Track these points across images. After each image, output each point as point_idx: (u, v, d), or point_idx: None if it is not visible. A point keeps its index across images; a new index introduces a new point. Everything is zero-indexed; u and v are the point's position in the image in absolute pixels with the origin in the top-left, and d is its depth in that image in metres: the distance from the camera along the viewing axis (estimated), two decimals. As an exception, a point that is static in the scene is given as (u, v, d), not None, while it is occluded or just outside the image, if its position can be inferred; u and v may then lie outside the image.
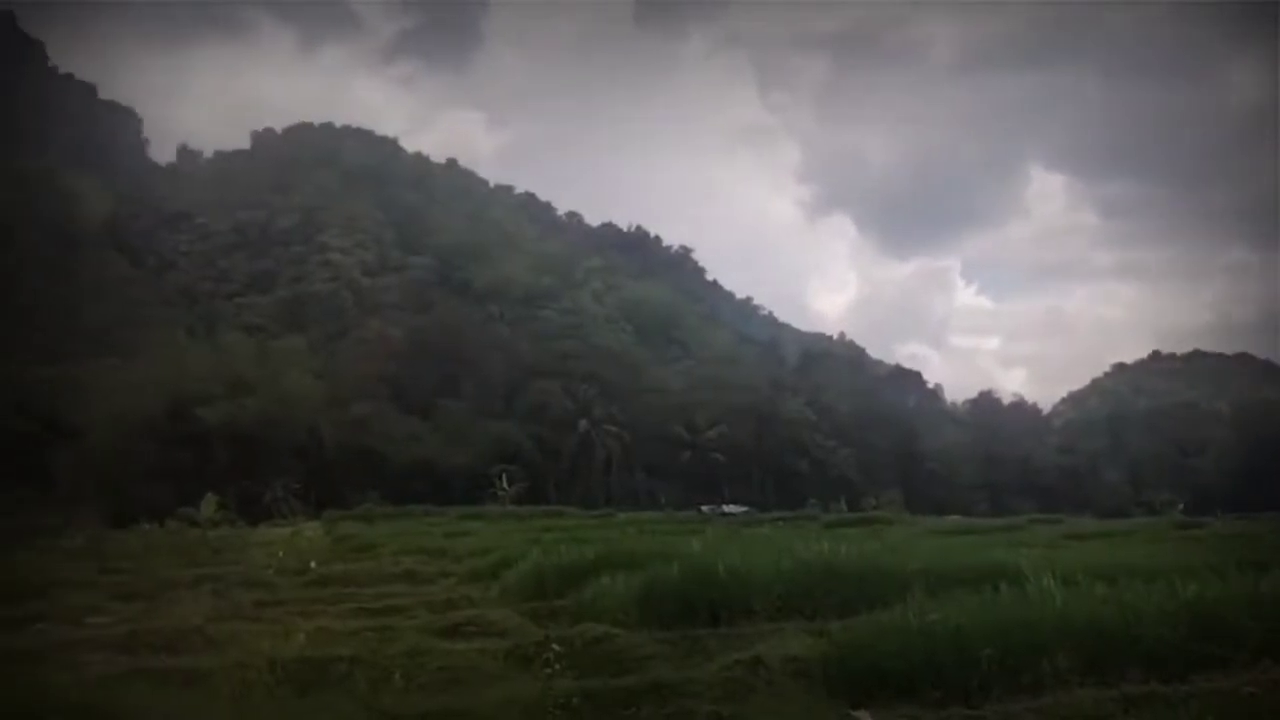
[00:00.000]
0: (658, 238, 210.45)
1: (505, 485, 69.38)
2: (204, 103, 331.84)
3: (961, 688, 8.85)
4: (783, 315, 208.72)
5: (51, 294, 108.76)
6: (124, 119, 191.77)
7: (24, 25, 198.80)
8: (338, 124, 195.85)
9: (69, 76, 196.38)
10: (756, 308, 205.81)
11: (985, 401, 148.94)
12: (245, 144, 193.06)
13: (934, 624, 9.57)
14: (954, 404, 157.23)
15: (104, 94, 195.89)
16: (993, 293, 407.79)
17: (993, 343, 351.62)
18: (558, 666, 9.45)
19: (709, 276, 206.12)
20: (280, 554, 33.15)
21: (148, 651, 13.38)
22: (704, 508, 70.37)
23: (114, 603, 21.01)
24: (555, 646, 9.98)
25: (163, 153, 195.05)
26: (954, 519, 54.20)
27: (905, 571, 13.80)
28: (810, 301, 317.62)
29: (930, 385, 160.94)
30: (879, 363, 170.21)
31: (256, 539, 42.77)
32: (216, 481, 59.17)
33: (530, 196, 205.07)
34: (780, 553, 15.79)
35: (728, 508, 70.99)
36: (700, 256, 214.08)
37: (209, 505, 42.35)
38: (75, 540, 33.80)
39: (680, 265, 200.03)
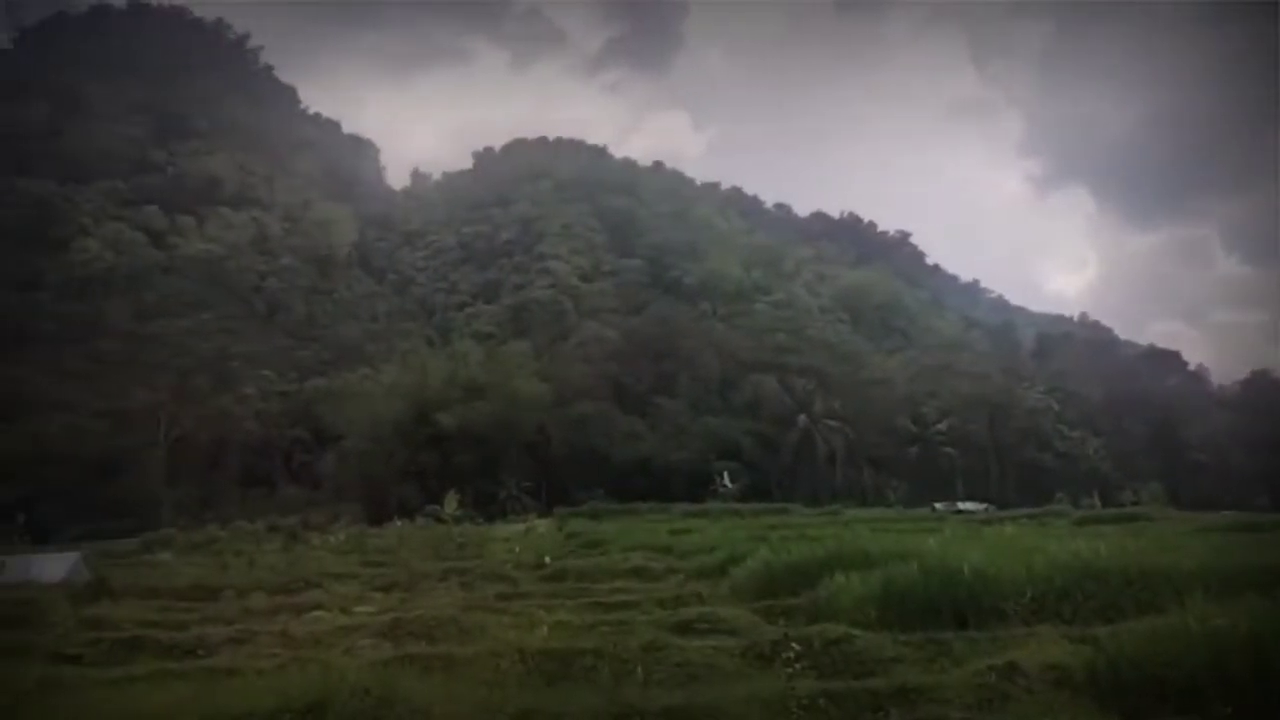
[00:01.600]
0: (872, 223, 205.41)
1: (727, 482, 69.42)
2: (432, 129, 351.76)
3: (1259, 703, 7.83)
4: (1014, 297, 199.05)
5: (311, 313, 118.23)
6: (364, 150, 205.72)
7: (280, 74, 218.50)
8: (551, 137, 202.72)
9: (317, 115, 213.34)
10: (984, 291, 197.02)
11: (1259, 382, 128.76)
12: (468, 164, 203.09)
13: (1221, 630, 8.50)
14: (1221, 386, 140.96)
15: (347, 128, 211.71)
16: (1259, 261, 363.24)
17: (1262, 316, 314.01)
18: (798, 666, 9.26)
19: (929, 260, 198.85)
20: (517, 549, 34.57)
21: (409, 639, 14.21)
22: (937, 505, 67.94)
23: (376, 593, 22.55)
24: (795, 646, 9.79)
25: (398, 178, 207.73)
26: (1229, 515, 47.97)
27: (1179, 572, 12.76)
28: (1044, 281, 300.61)
29: (1191, 366, 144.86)
30: (1129, 344, 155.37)
31: (494, 535, 44.72)
32: (456, 480, 62.02)
33: (737, 191, 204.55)
34: (1029, 552, 14.94)
35: (963, 504, 68.19)
36: (919, 240, 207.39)
37: (450, 503, 44.36)
38: (340, 535, 36.33)
39: (897, 250, 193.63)
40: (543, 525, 54.22)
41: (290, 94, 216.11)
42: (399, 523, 46.02)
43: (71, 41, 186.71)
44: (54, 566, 27.02)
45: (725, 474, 71.03)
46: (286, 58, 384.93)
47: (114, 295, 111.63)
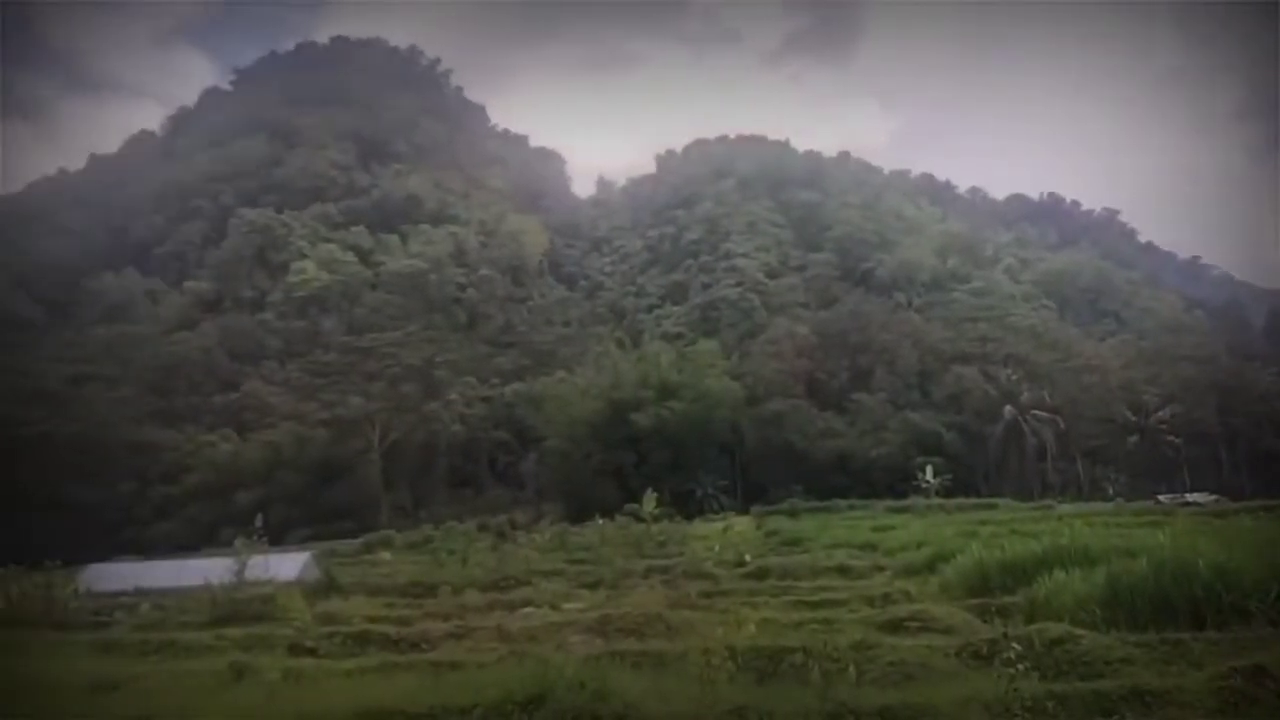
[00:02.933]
0: (1075, 202, 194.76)
1: (929, 477, 67.30)
2: (615, 135, 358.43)
3: None
4: (1241, 273, 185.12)
5: (508, 321, 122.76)
6: (551, 162, 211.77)
7: (469, 94, 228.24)
8: (732, 135, 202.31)
9: (505, 132, 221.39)
10: (1206, 267, 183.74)
11: None
12: (651, 168, 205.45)
13: None
14: None
15: (533, 142, 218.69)
16: None
17: None
18: (1020, 667, 8.87)
19: (1141, 238, 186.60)
20: (716, 547, 34.71)
21: (618, 635, 14.49)
22: (1162, 497, 63.60)
23: (583, 590, 23.16)
24: (1015, 645, 9.38)
25: (584, 187, 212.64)
26: None
27: None
28: (1273, 255, 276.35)
29: None
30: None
31: (693, 533, 45.03)
32: (653, 479, 62.81)
33: (928, 178, 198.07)
34: (1273, 545, 13.74)
35: (1191, 496, 63.49)
36: (1128, 217, 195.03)
37: (649, 501, 44.85)
38: (545, 534, 37.46)
39: (1104, 229, 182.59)
40: (741, 523, 54.14)
41: (480, 113, 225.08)
42: (600, 521, 46.89)
43: (282, 78, 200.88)
44: (289, 565, 29.10)
45: (928, 469, 68.80)
46: (475, 77, 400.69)
47: (329, 311, 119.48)
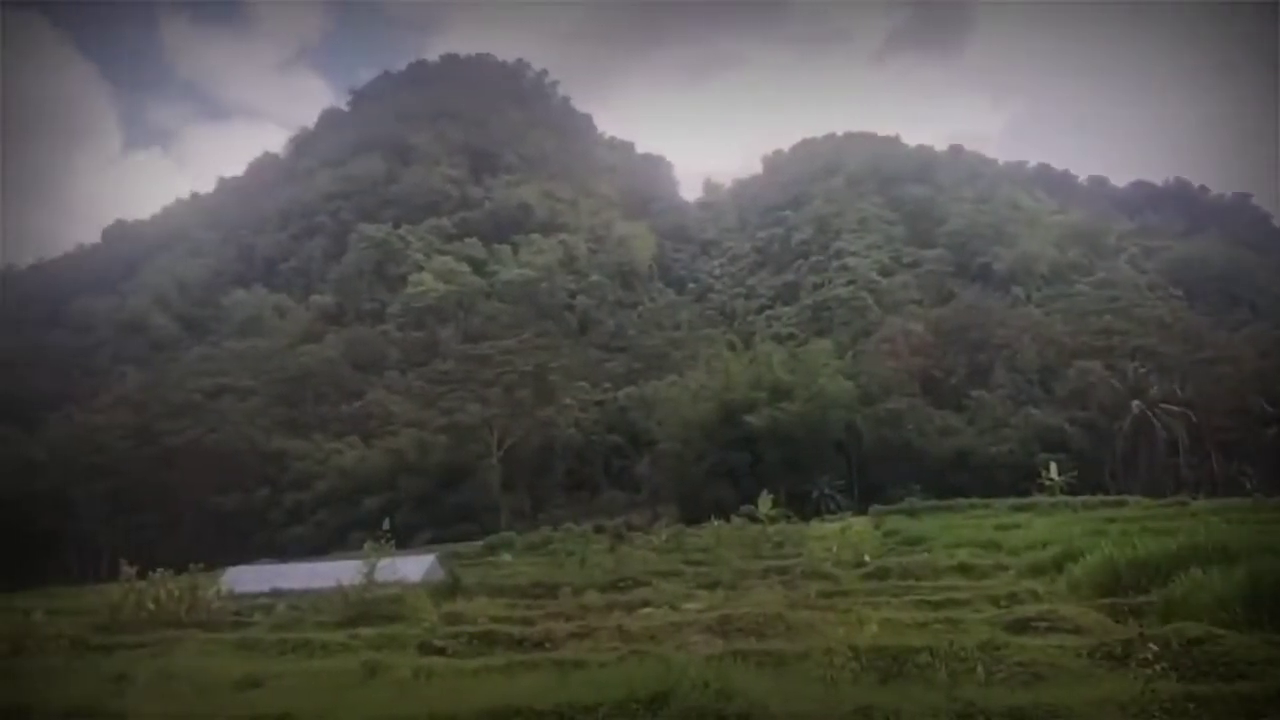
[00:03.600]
0: (1203, 187, 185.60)
1: (1053, 475, 65.19)
2: (721, 138, 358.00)
3: None
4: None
5: (619, 326, 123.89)
6: (658, 167, 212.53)
7: (576, 103, 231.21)
8: (839, 133, 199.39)
9: (612, 139, 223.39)
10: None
11: None
12: (758, 169, 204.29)
13: None
14: None
15: (640, 149, 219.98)
16: None
17: None
18: (1158, 667, 8.57)
19: (1276, 222, 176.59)
20: (834, 547, 34.28)
21: (738, 635, 14.51)
22: (1305, 491, 60.08)
23: (701, 590, 23.21)
24: (1152, 646, 9.07)
25: (691, 190, 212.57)
26: None
27: None
28: None
29: None
30: None
31: (810, 534, 44.63)
32: (767, 480, 62.43)
33: (1045, 168, 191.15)
34: None
35: (1336, 490, 59.81)
36: (1261, 201, 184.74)
37: (765, 503, 44.62)
38: (661, 535, 37.65)
39: (1236, 214, 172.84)
40: (859, 523, 53.39)
41: (587, 121, 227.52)
42: (715, 522, 46.84)
43: (396, 97, 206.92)
44: (414, 567, 30.00)
45: (1051, 466, 66.54)
46: (581, 87, 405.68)
47: (446, 321, 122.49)
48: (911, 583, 22.19)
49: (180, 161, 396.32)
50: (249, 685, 13.08)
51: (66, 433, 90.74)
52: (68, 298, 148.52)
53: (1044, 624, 13.65)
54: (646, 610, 18.58)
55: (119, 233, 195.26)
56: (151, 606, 22.24)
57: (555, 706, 9.56)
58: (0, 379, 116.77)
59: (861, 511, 66.84)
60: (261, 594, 28.18)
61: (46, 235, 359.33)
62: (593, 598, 21.99)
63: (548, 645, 15.41)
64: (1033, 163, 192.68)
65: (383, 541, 24.56)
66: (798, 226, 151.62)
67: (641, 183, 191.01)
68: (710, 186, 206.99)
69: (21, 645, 17.60)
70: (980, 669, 10.31)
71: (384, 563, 24.04)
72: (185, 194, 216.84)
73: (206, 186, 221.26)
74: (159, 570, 23.88)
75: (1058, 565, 20.30)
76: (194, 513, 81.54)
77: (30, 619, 19.16)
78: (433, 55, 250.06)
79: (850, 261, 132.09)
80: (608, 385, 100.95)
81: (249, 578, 32.95)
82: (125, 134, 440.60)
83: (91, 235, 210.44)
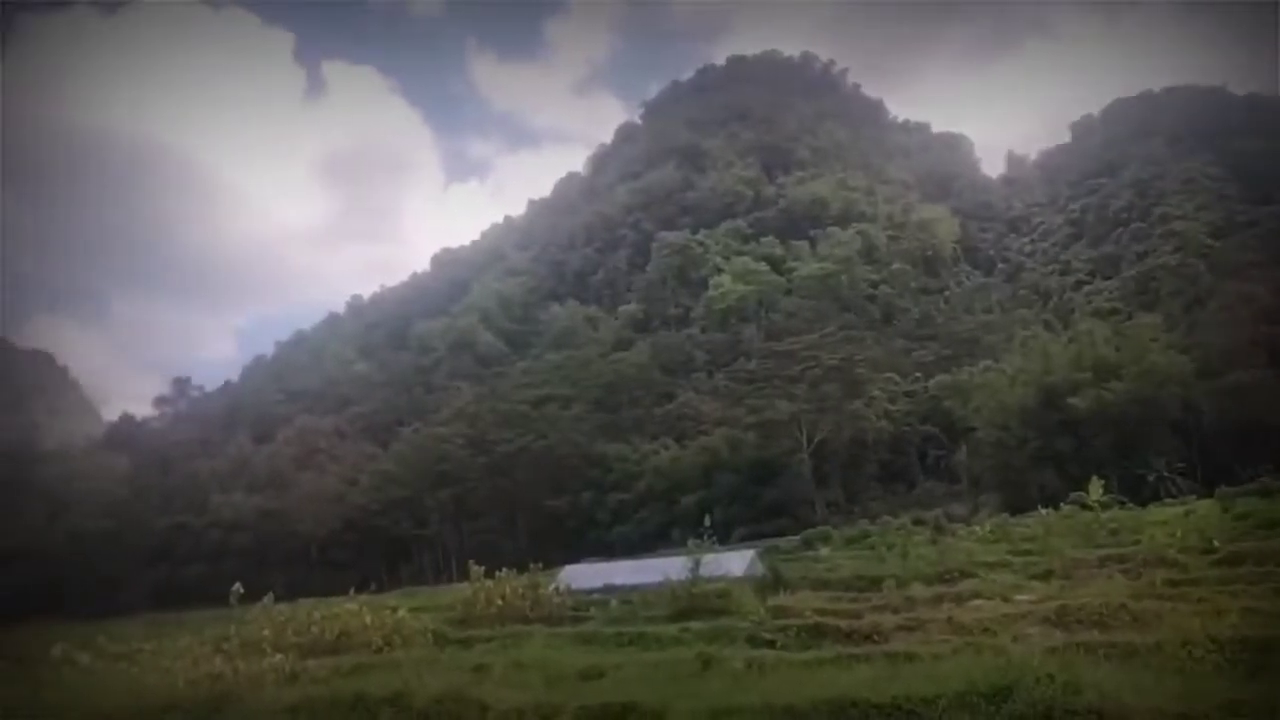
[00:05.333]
0: None
1: None
2: (1023, 109, 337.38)
3: None
4: None
5: (925, 313, 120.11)
6: (957, 145, 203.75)
7: (866, 90, 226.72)
8: (1156, 89, 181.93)
9: (906, 122, 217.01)
10: None
11: None
12: (1065, 137, 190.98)
13: None
14: None
15: (936, 128, 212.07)
16: None
17: None
18: None
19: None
20: (1178, 533, 31.41)
21: (1078, 627, 13.77)
22: None
23: (1033, 581, 22.12)
24: None
25: (993, 166, 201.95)
26: None
27: None
28: None
29: None
30: None
31: (1148, 519, 41.21)
32: (1095, 465, 58.18)
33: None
34: None
35: None
36: None
37: (1095, 488, 41.68)
38: (984, 526, 36.23)
39: None
40: (1203, 507, 48.57)
41: (878, 107, 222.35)
42: (1042, 510, 44.32)
43: (686, 105, 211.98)
44: (736, 562, 30.61)
45: None
46: (870, 73, 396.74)
47: (748, 321, 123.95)
48: (1271, 569, 19.96)
49: (495, 189, 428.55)
50: (593, 675, 13.90)
51: (414, 446, 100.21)
52: (408, 322, 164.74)
53: None
54: (977, 602, 17.98)
55: (446, 259, 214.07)
56: (499, 603, 23.89)
57: (892, 699, 9.52)
58: (361, 399, 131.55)
59: (1206, 494, 60.76)
60: (595, 590, 29.70)
61: (386, 266, 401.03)
62: (918, 590, 21.53)
63: (876, 638, 15.31)
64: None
65: (705, 538, 25.33)
66: (1115, 194, 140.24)
67: (940, 163, 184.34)
68: (1014, 160, 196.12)
69: (392, 639, 19.56)
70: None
71: (708, 558, 24.78)
72: (499, 218, 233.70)
73: (518, 209, 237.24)
74: (503, 570, 25.75)
75: None
76: (528, 515, 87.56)
77: (397, 616, 21.04)
78: (719, 59, 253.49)
79: (1177, 226, 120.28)
80: (917, 375, 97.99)
81: (583, 575, 34.88)
82: (446, 170, 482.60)
83: (422, 263, 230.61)
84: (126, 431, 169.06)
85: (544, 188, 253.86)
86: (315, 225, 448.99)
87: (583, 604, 25.79)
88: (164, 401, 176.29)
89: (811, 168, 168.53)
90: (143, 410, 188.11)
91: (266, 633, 19.12)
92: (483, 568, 25.85)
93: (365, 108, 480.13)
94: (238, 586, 20.82)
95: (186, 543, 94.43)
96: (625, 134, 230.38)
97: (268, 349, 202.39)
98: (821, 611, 18.38)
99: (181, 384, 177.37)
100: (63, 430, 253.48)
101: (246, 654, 17.20)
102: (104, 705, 14.38)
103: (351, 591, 25.18)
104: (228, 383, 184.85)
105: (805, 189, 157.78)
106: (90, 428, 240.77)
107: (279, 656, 16.43)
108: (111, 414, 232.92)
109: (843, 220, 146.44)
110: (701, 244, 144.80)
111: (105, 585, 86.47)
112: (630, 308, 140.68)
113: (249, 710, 13.10)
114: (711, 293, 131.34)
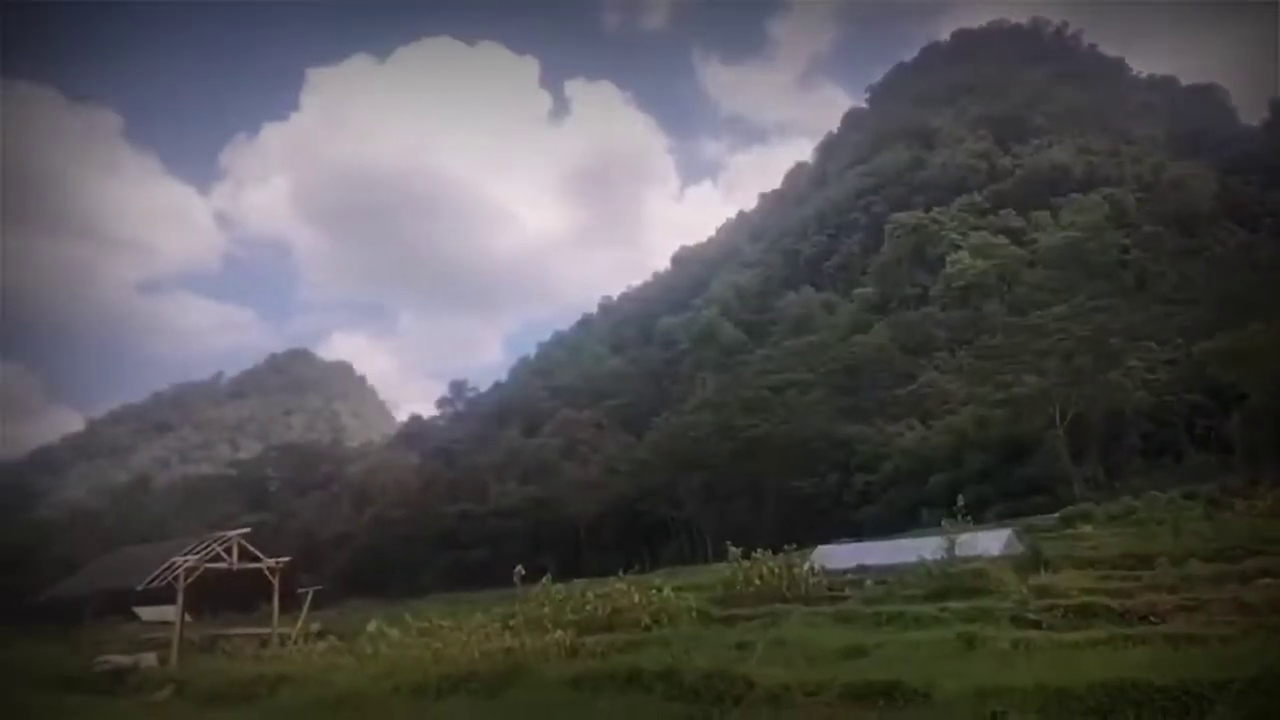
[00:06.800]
0: None
1: None
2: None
3: None
4: None
5: (1183, 276, 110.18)
6: (1210, 96, 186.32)
7: (1103, 49, 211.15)
8: None
9: (1150, 78, 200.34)
10: None
11: None
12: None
13: None
14: None
15: (1185, 80, 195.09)
16: None
17: None
18: None
19: None
20: None
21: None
22: None
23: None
24: None
25: (1253, 114, 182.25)
26: None
27: None
28: None
29: None
30: None
31: None
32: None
33: None
34: None
35: None
36: None
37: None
38: (1266, 499, 32.82)
39: None
40: None
41: (1118, 66, 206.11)
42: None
43: (912, 84, 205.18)
44: (992, 541, 29.26)
45: None
46: (1107, 31, 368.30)
47: (989, 296, 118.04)
48: None
49: (727, 187, 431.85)
50: (854, 654, 13.75)
51: (666, 434, 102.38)
52: (653, 318, 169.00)
53: None
54: (1266, 581, 16.30)
55: (685, 257, 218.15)
56: (757, 583, 24.00)
57: (1179, 682, 8.86)
58: (616, 393, 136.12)
59: None
60: (848, 570, 29.25)
61: (631, 267, 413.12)
62: (1196, 568, 19.81)
63: (1152, 619, 14.23)
64: None
65: (959, 517, 24.41)
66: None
67: (1191, 117, 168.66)
68: (1278, 106, 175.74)
69: (659, 617, 20.09)
70: None
71: (963, 538, 23.88)
72: (732, 214, 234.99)
73: (749, 204, 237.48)
74: (757, 550, 25.82)
75: None
76: (776, 497, 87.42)
77: (663, 595, 21.56)
78: (943, 35, 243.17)
79: None
80: (1179, 341, 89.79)
81: (836, 555, 34.38)
82: (681, 173, 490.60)
83: (664, 263, 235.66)
84: (415, 430, 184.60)
85: (774, 180, 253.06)
86: (567, 234, 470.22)
87: (837, 584, 25.45)
88: (445, 402, 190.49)
89: (1048, 135, 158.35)
90: (428, 410, 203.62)
91: (547, 610, 20.24)
92: (739, 549, 26.04)
93: (605, 121, 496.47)
94: (519, 569, 22.09)
95: (471, 528, 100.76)
96: (852, 120, 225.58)
97: (530, 350, 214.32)
98: (1090, 591, 17.33)
99: (459, 386, 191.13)
100: (364, 430, 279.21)
101: (530, 630, 18.28)
102: (414, 675, 15.67)
103: (620, 572, 26.11)
104: (498, 383, 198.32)
105: (1043, 157, 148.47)
106: (386, 427, 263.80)
107: (559, 633, 17.36)
108: (402, 415, 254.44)
109: (1086, 186, 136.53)
110: (936, 221, 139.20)
111: (406, 568, 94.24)
112: (865, 290, 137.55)
113: (538, 681, 13.90)
114: (949, 270, 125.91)
